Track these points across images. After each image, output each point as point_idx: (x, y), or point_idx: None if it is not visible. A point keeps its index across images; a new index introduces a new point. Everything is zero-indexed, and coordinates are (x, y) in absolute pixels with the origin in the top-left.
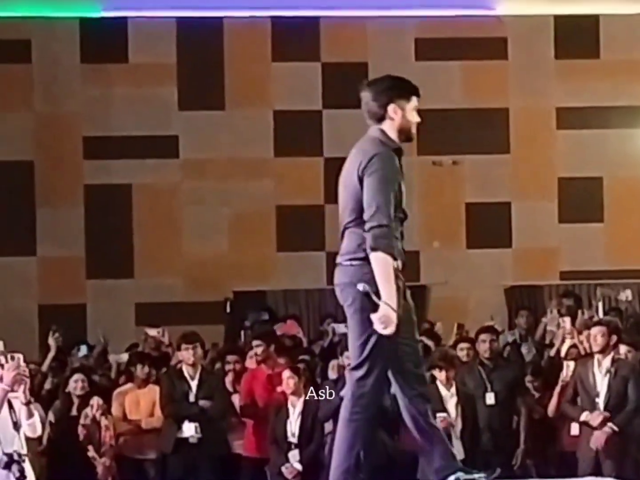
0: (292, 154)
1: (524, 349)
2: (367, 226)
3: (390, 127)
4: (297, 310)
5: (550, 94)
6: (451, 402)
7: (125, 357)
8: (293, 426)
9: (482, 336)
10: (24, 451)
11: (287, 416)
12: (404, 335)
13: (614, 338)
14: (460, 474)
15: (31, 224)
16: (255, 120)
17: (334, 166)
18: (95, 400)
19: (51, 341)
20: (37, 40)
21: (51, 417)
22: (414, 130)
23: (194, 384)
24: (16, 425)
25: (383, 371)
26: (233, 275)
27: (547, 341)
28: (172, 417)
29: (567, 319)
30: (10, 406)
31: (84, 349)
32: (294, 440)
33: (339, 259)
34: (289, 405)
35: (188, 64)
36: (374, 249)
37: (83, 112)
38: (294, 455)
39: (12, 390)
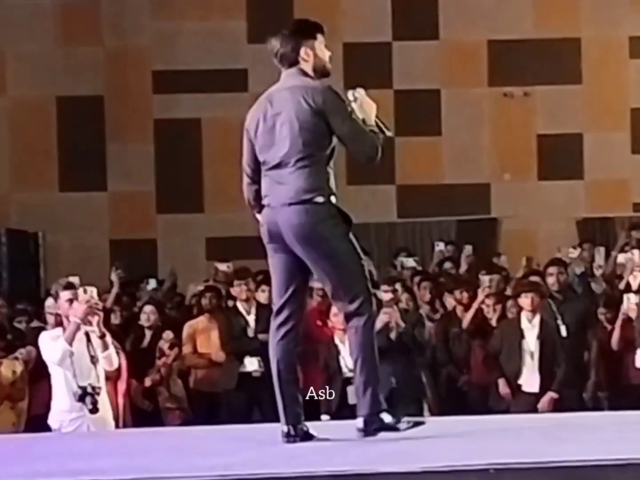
0: (361, 86)
1: (594, 282)
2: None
3: (307, 68)
4: (367, 244)
5: (622, 23)
6: (532, 334)
7: (199, 287)
8: (347, 360)
9: (550, 269)
10: (100, 384)
11: (338, 351)
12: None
13: None
14: (384, 415)
15: (101, 159)
16: None
17: (404, 98)
18: (167, 334)
19: (114, 277)
20: None
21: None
22: (328, 65)
23: (251, 319)
24: (93, 359)
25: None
26: None
27: (619, 273)
28: (233, 354)
29: (636, 252)
30: (89, 340)
31: (152, 283)
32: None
33: (285, 200)
34: (337, 342)
35: None
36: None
37: (152, 46)
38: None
39: (85, 323)
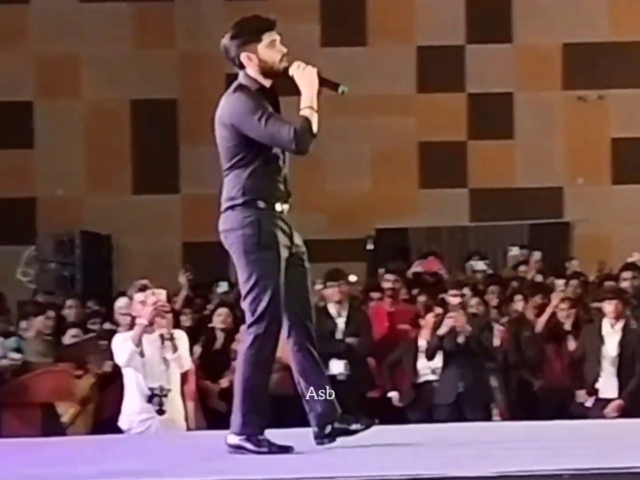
0: (435, 90)
1: None
2: (292, 148)
3: (252, 71)
4: (439, 248)
5: None
6: (613, 340)
7: None
8: (423, 361)
9: (625, 274)
10: (169, 386)
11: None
12: (292, 276)
13: None
14: (337, 424)
15: (174, 162)
16: (398, 56)
17: (477, 102)
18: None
19: (182, 279)
20: None
21: (197, 351)
22: (278, 66)
23: (340, 321)
24: (165, 361)
25: (276, 310)
26: (375, 213)
27: None
28: (319, 355)
29: None
30: (163, 342)
31: (224, 286)
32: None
33: (222, 206)
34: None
35: (331, 0)
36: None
37: None
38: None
39: (151, 326)
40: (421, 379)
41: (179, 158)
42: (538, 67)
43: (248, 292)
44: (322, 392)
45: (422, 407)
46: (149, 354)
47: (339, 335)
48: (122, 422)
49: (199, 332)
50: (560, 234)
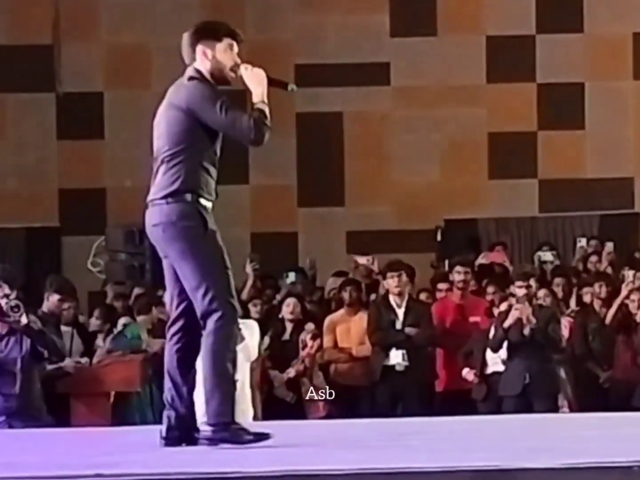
0: (505, 80)
1: None
2: (252, 137)
3: (202, 68)
4: (508, 238)
5: None
6: None
7: (339, 281)
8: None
9: None
10: (236, 376)
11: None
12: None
13: None
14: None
15: (244, 152)
16: (468, 46)
17: (547, 92)
18: (308, 325)
19: (248, 269)
20: None
21: (267, 341)
22: (228, 73)
23: (400, 312)
24: None
25: (231, 295)
26: (444, 203)
27: None
28: (379, 345)
29: None
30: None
31: (292, 276)
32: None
33: (151, 197)
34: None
35: None
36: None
37: (296, 40)
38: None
39: None
40: (490, 370)
41: (248, 148)
42: (609, 56)
43: (199, 284)
44: (185, 396)
45: (490, 398)
46: None
47: (398, 325)
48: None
49: (268, 323)
50: (630, 225)
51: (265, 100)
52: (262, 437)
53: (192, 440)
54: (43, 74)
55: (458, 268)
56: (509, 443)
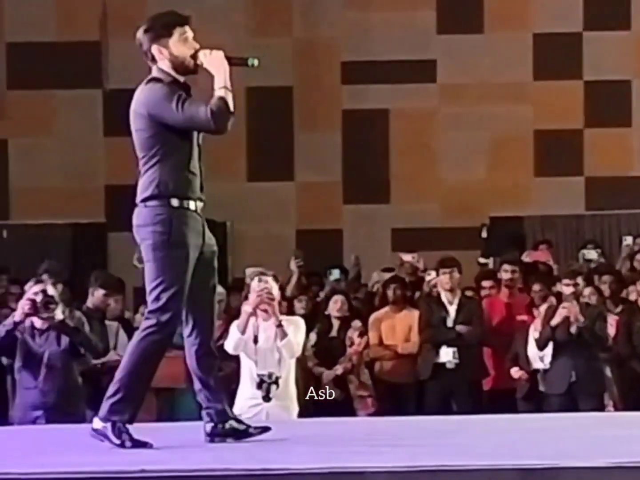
0: (552, 77)
1: None
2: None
3: (164, 65)
4: (553, 236)
5: None
6: None
7: (385, 276)
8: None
9: None
10: (280, 373)
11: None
12: (201, 274)
13: None
14: (232, 422)
15: (290, 149)
16: (514, 44)
17: (594, 89)
18: (355, 323)
19: (293, 266)
20: None
21: (313, 338)
22: (189, 62)
23: (452, 309)
24: (278, 348)
25: (178, 308)
26: (490, 201)
27: None
28: (430, 343)
29: None
30: (279, 326)
31: (336, 273)
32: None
33: (137, 199)
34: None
35: None
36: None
37: (342, 37)
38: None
39: (255, 313)
40: (532, 368)
41: (294, 145)
42: None
43: (153, 289)
44: (217, 392)
45: (533, 396)
46: (262, 341)
47: (449, 323)
48: (235, 408)
49: (313, 319)
50: None
51: (228, 84)
52: (142, 444)
53: (237, 435)
54: (90, 70)
55: (505, 266)
56: (554, 441)
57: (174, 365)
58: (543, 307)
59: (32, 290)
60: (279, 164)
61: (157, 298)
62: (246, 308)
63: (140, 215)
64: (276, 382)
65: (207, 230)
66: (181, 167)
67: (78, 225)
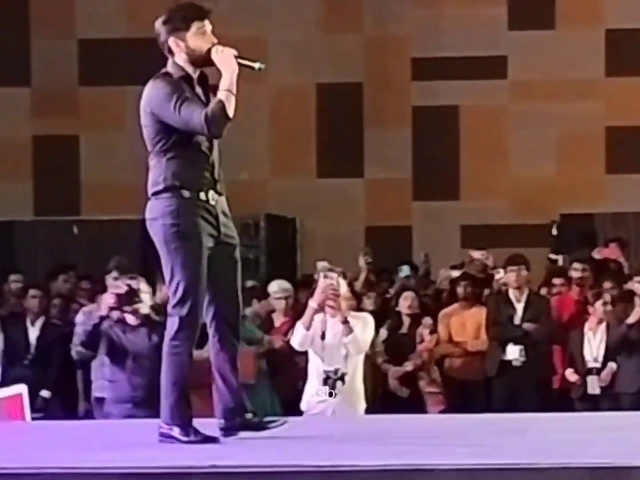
0: (623, 73)
1: None
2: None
3: (179, 59)
4: (624, 234)
5: None
6: None
7: (453, 273)
8: (594, 351)
9: None
10: (345, 369)
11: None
12: (220, 266)
13: None
14: (249, 415)
15: (359, 146)
16: (586, 40)
17: None
18: (425, 320)
19: (361, 262)
20: None
21: (383, 335)
22: (207, 53)
23: (519, 307)
24: (344, 344)
25: (196, 299)
26: (560, 198)
27: None
28: (497, 340)
29: None
30: (344, 323)
31: (405, 270)
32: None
33: (148, 193)
34: (586, 330)
35: None
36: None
37: (412, 33)
38: (592, 380)
39: (321, 309)
40: (588, 367)
41: (364, 142)
42: None
43: (170, 282)
44: (234, 388)
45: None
46: (329, 337)
47: (517, 320)
48: (302, 404)
49: (383, 316)
50: None
51: (233, 88)
52: (212, 439)
53: (252, 427)
54: (161, 66)
55: (576, 265)
56: (625, 440)
57: (243, 361)
58: (598, 304)
59: (116, 284)
60: (349, 161)
61: (175, 291)
62: (311, 304)
63: (151, 209)
64: (342, 378)
65: (225, 222)
66: (188, 160)
67: (143, 222)
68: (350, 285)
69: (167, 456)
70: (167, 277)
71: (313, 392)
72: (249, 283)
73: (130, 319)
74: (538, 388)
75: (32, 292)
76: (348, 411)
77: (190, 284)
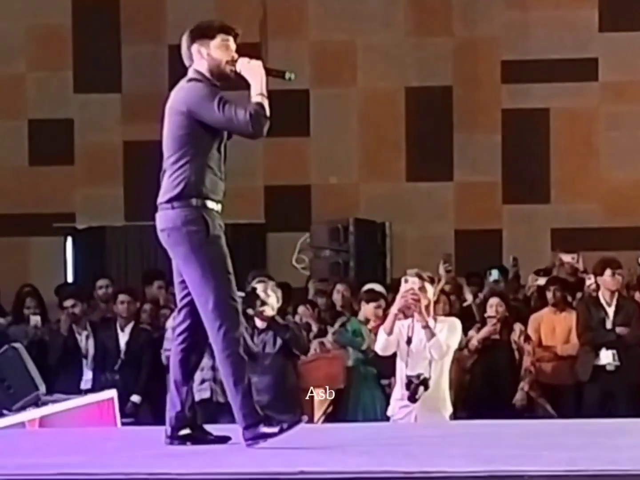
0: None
1: None
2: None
3: (201, 67)
4: None
5: None
6: None
7: (539, 278)
8: None
9: None
10: (429, 374)
11: None
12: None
13: None
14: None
15: (448, 149)
16: None
17: None
18: (518, 326)
19: (441, 270)
20: None
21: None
22: (226, 66)
23: (610, 311)
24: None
25: (230, 305)
26: None
27: None
28: (589, 345)
29: None
30: (425, 327)
31: (495, 274)
32: None
33: (159, 200)
34: None
35: None
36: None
37: (502, 35)
38: None
39: (402, 314)
40: None
41: (453, 145)
42: None
43: (200, 292)
44: (184, 399)
45: None
46: (415, 342)
47: (608, 324)
48: (389, 409)
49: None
50: None
51: (264, 91)
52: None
53: (198, 440)
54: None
55: None
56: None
57: (331, 366)
58: None
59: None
60: (438, 164)
61: (209, 301)
62: (392, 309)
63: (168, 218)
64: (424, 384)
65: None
66: (209, 169)
67: (237, 226)
68: (443, 290)
69: (253, 462)
70: (195, 285)
71: (397, 397)
72: (339, 287)
73: (261, 324)
74: (632, 392)
75: (121, 297)
76: (433, 416)
77: (224, 286)
